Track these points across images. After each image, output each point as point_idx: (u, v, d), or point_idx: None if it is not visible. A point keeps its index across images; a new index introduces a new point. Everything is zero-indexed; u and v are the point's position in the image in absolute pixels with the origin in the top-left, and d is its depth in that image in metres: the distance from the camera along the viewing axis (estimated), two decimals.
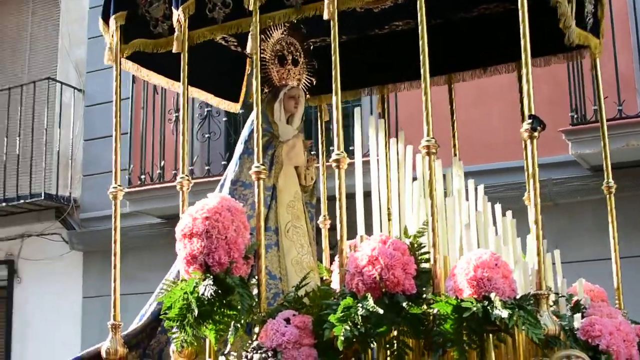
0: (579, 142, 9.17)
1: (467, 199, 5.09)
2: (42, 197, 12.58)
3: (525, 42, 4.49)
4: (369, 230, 4.82)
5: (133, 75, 11.92)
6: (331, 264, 6.07)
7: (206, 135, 11.79)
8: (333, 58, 4.75)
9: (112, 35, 5.76)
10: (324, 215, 6.51)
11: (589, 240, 9.32)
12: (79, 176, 13.12)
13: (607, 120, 8.86)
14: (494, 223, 5.11)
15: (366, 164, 4.98)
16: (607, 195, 5.73)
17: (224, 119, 11.96)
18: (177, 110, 11.86)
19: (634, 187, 9.25)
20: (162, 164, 11.80)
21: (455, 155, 6.12)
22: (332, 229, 5.84)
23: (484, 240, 4.82)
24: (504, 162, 9.69)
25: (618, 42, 9.23)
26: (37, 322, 13.02)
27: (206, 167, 11.57)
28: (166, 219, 11.89)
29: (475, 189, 5.19)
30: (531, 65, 6.22)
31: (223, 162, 11.48)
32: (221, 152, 11.81)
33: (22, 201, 12.67)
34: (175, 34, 5.38)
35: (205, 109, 11.83)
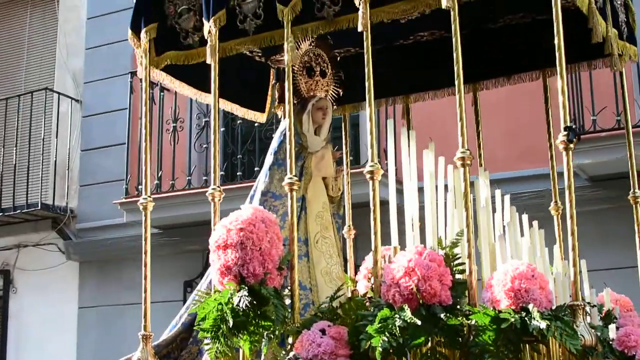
0: (578, 152, 9.20)
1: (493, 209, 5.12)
2: (39, 207, 12.58)
3: (560, 55, 4.53)
4: (388, 241, 4.85)
5: (131, 86, 12.04)
6: (356, 274, 6.09)
7: (204, 146, 11.79)
8: (366, 69, 4.76)
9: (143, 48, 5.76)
10: (349, 225, 6.51)
11: (588, 251, 9.36)
12: (76, 186, 13.14)
13: (605, 131, 9.06)
14: (521, 234, 5.15)
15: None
16: (634, 205, 5.76)
17: (222, 129, 11.95)
18: (175, 121, 11.88)
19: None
20: (159, 174, 11.79)
21: (480, 165, 6.15)
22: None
23: (514, 251, 4.84)
24: (524, 170, 9.82)
25: None
26: (32, 333, 12.99)
27: (204, 178, 11.55)
28: (163, 229, 11.91)
29: (502, 199, 5.21)
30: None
31: (221, 173, 11.49)
32: (219, 162, 11.77)
33: (18, 211, 12.68)
34: (208, 45, 5.38)
35: (203, 120, 11.85)
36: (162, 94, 11.87)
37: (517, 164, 9.90)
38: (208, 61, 5.38)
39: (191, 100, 11.76)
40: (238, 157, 11.59)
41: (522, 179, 9.75)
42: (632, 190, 5.83)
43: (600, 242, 9.21)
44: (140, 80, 5.92)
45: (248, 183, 9.01)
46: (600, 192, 9.45)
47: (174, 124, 11.93)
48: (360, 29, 4.83)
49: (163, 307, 9.05)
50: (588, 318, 4.88)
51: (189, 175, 11.66)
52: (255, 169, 10.91)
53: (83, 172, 13.13)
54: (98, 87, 13.20)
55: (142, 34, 5.75)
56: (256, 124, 10.95)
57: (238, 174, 11.36)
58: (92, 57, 13.39)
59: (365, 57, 4.79)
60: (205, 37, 5.41)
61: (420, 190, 4.84)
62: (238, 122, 11.51)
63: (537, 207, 6.24)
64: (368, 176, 4.70)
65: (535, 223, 5.23)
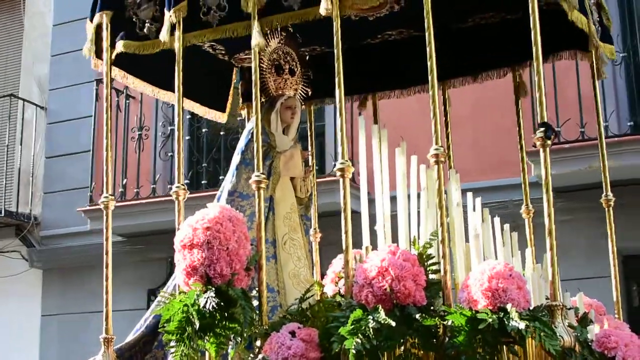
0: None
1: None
2: (2, 214, 12.46)
3: (537, 49, 4.45)
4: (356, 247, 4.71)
5: (96, 93, 11.94)
6: (322, 278, 5.96)
7: (169, 154, 11.74)
8: (336, 63, 4.63)
9: (96, 33, 5.67)
10: (315, 229, 6.37)
11: None
12: (40, 193, 13.01)
13: (569, 142, 9.04)
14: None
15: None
16: (606, 209, 5.68)
17: (187, 137, 11.91)
18: (141, 129, 11.82)
19: (595, 209, 9.24)
20: (124, 182, 11.74)
21: (450, 167, 6.04)
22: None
23: (487, 253, 4.72)
24: (488, 181, 9.73)
25: (581, 65, 9.37)
26: None
27: (169, 186, 11.45)
28: (127, 237, 11.87)
29: (474, 201, 5.07)
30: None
31: (186, 181, 11.33)
32: (184, 170, 11.67)
33: None
34: (163, 30, 5.25)
35: (169, 128, 11.80)
36: (127, 101, 11.91)
37: (481, 175, 9.85)
38: (163, 42, 5.29)
39: (157, 108, 11.75)
40: (203, 165, 11.65)
41: (486, 190, 9.65)
42: (604, 193, 5.71)
43: (561, 252, 9.16)
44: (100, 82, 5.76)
45: (213, 191, 8.97)
46: (563, 203, 9.41)
47: (139, 132, 11.91)
48: (323, 12, 4.66)
49: (126, 315, 8.96)
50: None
51: (154, 184, 11.64)
52: (220, 177, 10.91)
53: (47, 179, 13.01)
54: (63, 94, 13.14)
55: (96, 17, 5.65)
56: (222, 133, 10.97)
57: (203, 182, 11.39)
58: (57, 63, 13.30)
59: (335, 50, 4.64)
60: (165, 29, 5.27)
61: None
62: (203, 130, 11.67)
63: (503, 217, 6.14)
64: (338, 174, 4.56)
65: (506, 226, 5.11)
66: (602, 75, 5.86)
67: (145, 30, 5.55)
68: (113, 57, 5.68)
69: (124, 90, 11.88)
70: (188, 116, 11.82)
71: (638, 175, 8.99)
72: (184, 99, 6.25)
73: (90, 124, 12.14)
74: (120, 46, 5.62)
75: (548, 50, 5.52)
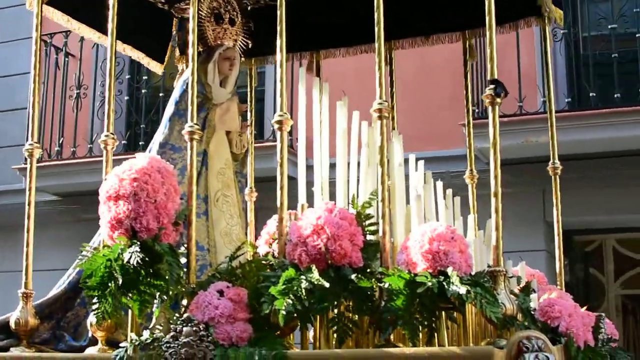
0: (479, 136, 9.08)
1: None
2: None
3: (490, 4, 4.22)
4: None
5: (35, 50, 11.62)
6: (256, 239, 5.71)
7: None
8: (279, 12, 4.39)
9: None
10: (251, 187, 6.16)
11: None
12: None
13: (507, 116, 8.98)
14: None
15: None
16: (553, 177, 5.50)
17: (126, 98, 12.05)
18: (79, 87, 11.65)
19: (530, 183, 9.52)
20: (60, 140, 11.75)
21: (394, 128, 5.83)
22: None
23: (429, 216, 4.51)
24: (422, 152, 9.47)
25: (521, 38, 9.53)
26: None
27: None
28: (62, 196, 11.95)
29: (416, 163, 4.85)
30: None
31: (124, 142, 11.43)
32: (122, 131, 11.86)
33: None
34: None
35: None
36: (66, 59, 11.80)
37: (415, 146, 9.73)
38: None
39: (96, 67, 11.53)
40: (141, 126, 11.68)
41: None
42: (551, 161, 5.54)
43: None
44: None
45: None
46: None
47: (78, 91, 11.89)
48: None
49: (57, 275, 8.73)
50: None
51: (91, 143, 11.56)
52: None
53: None
54: (1, 50, 13.09)
55: None
56: (161, 94, 10.83)
57: (141, 143, 11.29)
58: None
59: None
60: None
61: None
62: (143, 91, 11.70)
63: None
64: (276, 126, 4.33)
65: (449, 191, 4.91)
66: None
67: None
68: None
69: (63, 48, 11.66)
70: (127, 76, 11.79)
71: (574, 151, 8.98)
72: (128, 46, 6.06)
73: (28, 81, 11.83)
74: None
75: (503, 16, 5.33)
